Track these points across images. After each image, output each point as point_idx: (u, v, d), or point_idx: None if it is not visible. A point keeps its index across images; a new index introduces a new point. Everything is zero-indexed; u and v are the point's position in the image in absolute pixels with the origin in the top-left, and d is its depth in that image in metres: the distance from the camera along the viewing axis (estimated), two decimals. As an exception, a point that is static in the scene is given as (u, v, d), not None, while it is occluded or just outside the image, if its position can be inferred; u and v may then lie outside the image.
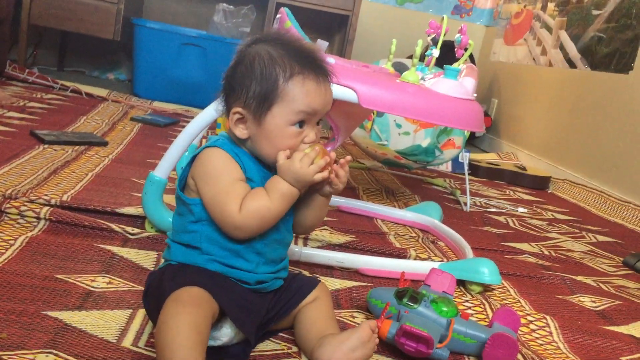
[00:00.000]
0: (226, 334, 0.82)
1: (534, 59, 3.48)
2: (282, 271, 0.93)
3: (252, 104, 0.85)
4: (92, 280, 1.00)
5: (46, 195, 1.30)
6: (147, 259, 1.13)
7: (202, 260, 0.85)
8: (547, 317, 1.20)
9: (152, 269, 1.08)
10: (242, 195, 0.83)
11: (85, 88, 2.97)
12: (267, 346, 0.90)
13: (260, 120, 0.85)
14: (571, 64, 3.06)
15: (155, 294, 0.83)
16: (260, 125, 0.85)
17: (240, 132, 0.87)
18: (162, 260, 0.91)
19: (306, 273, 1.20)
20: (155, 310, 0.78)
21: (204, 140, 2.33)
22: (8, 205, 1.20)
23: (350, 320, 1.04)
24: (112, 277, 1.03)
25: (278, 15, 1.50)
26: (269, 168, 0.88)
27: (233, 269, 0.85)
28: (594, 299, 1.37)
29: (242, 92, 0.85)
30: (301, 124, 0.86)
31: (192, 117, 1.28)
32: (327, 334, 0.87)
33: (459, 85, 1.41)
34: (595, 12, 2.92)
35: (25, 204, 1.22)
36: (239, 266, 0.85)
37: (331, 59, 1.44)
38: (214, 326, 0.80)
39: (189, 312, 0.73)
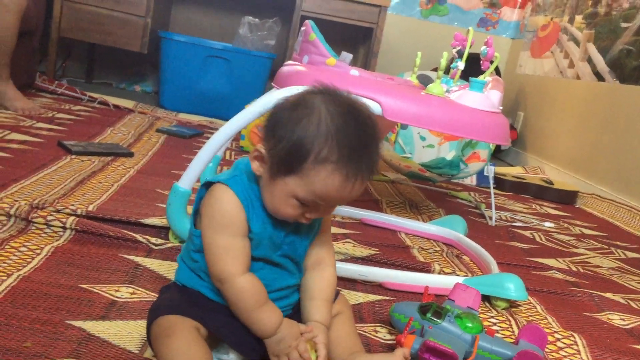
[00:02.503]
0: (231, 355, 0.83)
1: (561, 72, 3.44)
2: (285, 304, 0.89)
3: (274, 158, 0.78)
4: (116, 290, 1.01)
5: (72, 205, 1.32)
6: (170, 270, 1.13)
7: (201, 286, 0.85)
8: (575, 334, 1.17)
9: (175, 279, 1.08)
10: (240, 256, 0.80)
11: (112, 100, 3.02)
12: None
13: (272, 176, 0.79)
14: (599, 77, 3.01)
15: (152, 305, 0.84)
16: (271, 180, 0.79)
17: (256, 168, 0.81)
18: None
19: (329, 286, 1.19)
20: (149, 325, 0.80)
21: (227, 154, 2.34)
22: (35, 215, 1.21)
23: (373, 335, 1.03)
24: (136, 288, 1.03)
25: (303, 28, 1.50)
26: (274, 219, 0.83)
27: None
28: (623, 317, 1.34)
29: (274, 138, 0.78)
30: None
31: (216, 129, 1.29)
32: (354, 351, 0.86)
33: (484, 97, 1.40)
34: (624, 25, 2.88)
35: (52, 213, 1.23)
36: None
37: (355, 72, 1.44)
38: (222, 349, 0.82)
39: (181, 346, 0.75)
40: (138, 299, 0.99)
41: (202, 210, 0.83)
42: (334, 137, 0.75)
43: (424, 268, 1.39)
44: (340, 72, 1.43)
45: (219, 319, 0.81)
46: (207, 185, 0.84)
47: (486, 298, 1.25)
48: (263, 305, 0.81)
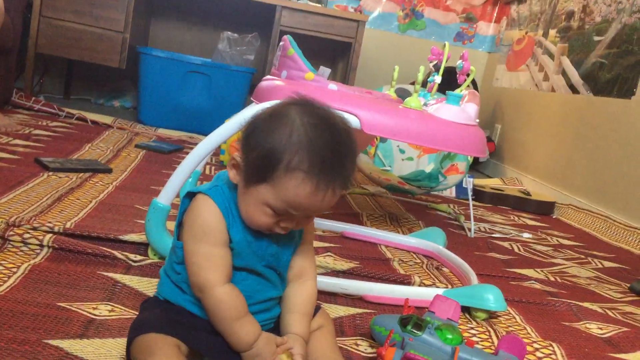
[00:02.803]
0: None
1: (536, 84, 3.49)
2: (267, 317, 0.89)
3: (248, 166, 0.79)
4: (94, 308, 1.00)
5: (50, 222, 1.30)
6: (150, 287, 1.12)
7: (183, 300, 0.85)
8: (554, 344, 1.18)
9: (155, 296, 1.08)
10: (220, 264, 0.81)
11: (90, 115, 3.00)
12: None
13: (246, 185, 0.80)
14: (574, 89, 3.07)
15: (132, 325, 0.84)
16: (245, 189, 0.80)
17: (233, 176, 0.82)
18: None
19: (309, 300, 1.19)
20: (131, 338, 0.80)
21: (207, 168, 2.34)
22: (11, 233, 1.20)
23: (354, 349, 1.03)
24: (115, 305, 1.02)
25: (281, 43, 1.52)
26: (255, 229, 0.83)
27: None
28: (600, 326, 1.35)
29: (248, 146, 0.79)
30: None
31: (196, 144, 1.28)
32: None
33: (461, 110, 1.42)
34: (596, 38, 2.94)
35: (29, 231, 1.22)
36: None
37: (334, 86, 1.45)
38: None
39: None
40: (117, 317, 0.98)
41: (185, 222, 0.84)
42: (306, 146, 0.76)
43: (404, 280, 1.39)
44: (318, 86, 1.44)
45: (201, 335, 0.81)
46: (190, 196, 0.85)
47: (466, 309, 1.26)
48: (242, 317, 0.80)
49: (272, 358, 0.79)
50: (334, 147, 0.78)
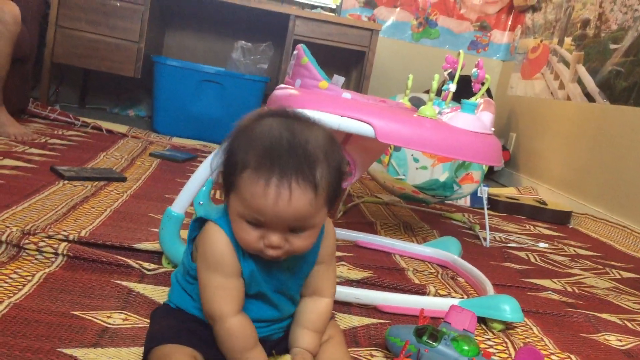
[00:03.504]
0: None
1: (551, 93, 3.47)
2: (277, 326, 0.88)
3: (222, 181, 0.79)
4: (109, 317, 0.99)
5: (64, 231, 1.31)
6: (163, 295, 1.12)
7: (193, 307, 0.85)
8: (572, 356, 1.16)
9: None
10: (233, 296, 0.80)
11: (105, 124, 3.02)
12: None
13: (226, 201, 0.79)
14: (590, 97, 3.04)
15: (148, 337, 0.84)
16: (227, 207, 0.79)
17: (225, 201, 0.80)
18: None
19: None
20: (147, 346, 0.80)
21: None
22: (27, 241, 1.20)
23: (369, 359, 1.02)
24: (129, 314, 1.02)
25: (295, 52, 1.52)
26: (259, 258, 0.80)
27: None
28: (619, 338, 1.33)
29: (220, 161, 0.79)
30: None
31: (210, 153, 1.28)
32: None
33: (476, 119, 1.41)
34: (612, 46, 2.92)
35: (44, 239, 1.22)
36: None
37: (347, 94, 1.44)
38: None
39: None
40: (131, 326, 0.98)
41: (198, 250, 0.83)
42: (258, 144, 0.73)
43: (419, 290, 1.38)
44: (332, 95, 1.43)
45: (215, 347, 0.80)
46: (200, 221, 0.84)
47: (482, 320, 1.24)
48: (251, 349, 0.80)
49: None
50: (288, 139, 0.73)
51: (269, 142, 0.73)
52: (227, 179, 0.77)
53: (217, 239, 0.80)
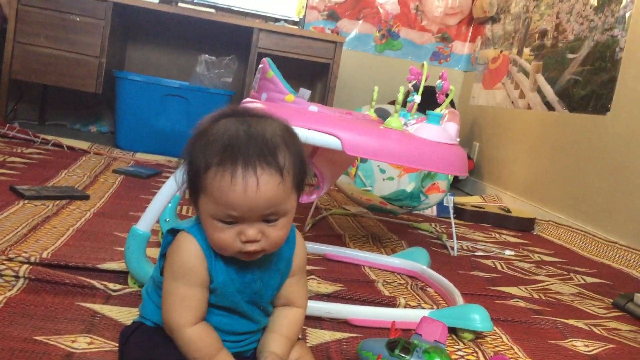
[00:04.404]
0: None
1: (512, 102, 3.53)
2: (251, 343, 0.87)
3: (188, 187, 0.79)
4: (73, 341, 0.96)
5: (25, 252, 1.27)
6: (129, 316, 1.09)
7: None
8: (542, 363, 1.17)
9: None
10: (194, 307, 0.79)
11: (66, 141, 2.96)
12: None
13: (195, 207, 0.79)
14: (549, 106, 3.11)
15: (128, 356, 0.81)
16: (197, 212, 0.79)
17: (194, 209, 0.80)
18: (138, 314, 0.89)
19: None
20: None
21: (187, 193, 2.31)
22: (-14, 264, 1.16)
23: (342, 374, 1.01)
24: (94, 337, 0.99)
25: (260, 66, 1.51)
26: (237, 262, 0.80)
27: None
28: (586, 343, 1.35)
29: (184, 167, 0.79)
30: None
31: (175, 168, 1.26)
32: None
33: (441, 130, 1.42)
34: (570, 56, 2.99)
35: (4, 262, 1.18)
36: None
37: (314, 107, 1.44)
38: None
39: None
40: (96, 349, 0.95)
41: (167, 257, 0.82)
42: (218, 142, 0.74)
43: (390, 302, 1.38)
44: (299, 108, 1.43)
45: None
46: (172, 232, 0.83)
47: (452, 330, 1.25)
48: (214, 356, 0.78)
49: None
50: (246, 132, 0.75)
51: (227, 138, 0.74)
52: (193, 184, 0.77)
53: (186, 247, 0.79)
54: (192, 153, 0.77)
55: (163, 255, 0.84)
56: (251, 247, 0.76)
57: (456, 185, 3.89)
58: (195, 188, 0.77)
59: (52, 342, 0.95)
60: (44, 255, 1.30)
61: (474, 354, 1.17)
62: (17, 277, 1.16)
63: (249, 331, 0.85)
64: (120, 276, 1.26)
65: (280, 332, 0.86)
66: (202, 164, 0.75)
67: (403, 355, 0.96)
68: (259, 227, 0.76)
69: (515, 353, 1.22)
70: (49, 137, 2.94)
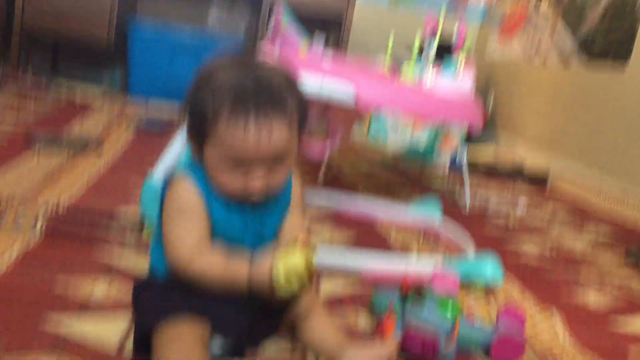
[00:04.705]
0: (215, 350, 0.81)
1: (529, 55, 3.47)
2: None
3: (191, 134, 0.80)
4: (91, 289, 0.98)
5: (42, 201, 1.28)
6: (145, 266, 1.10)
7: None
8: (552, 313, 1.18)
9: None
10: (195, 242, 0.79)
11: (79, 92, 2.95)
12: (271, 347, 0.88)
13: (200, 153, 0.80)
14: (567, 59, 3.05)
15: (141, 314, 0.83)
16: (201, 158, 0.80)
17: (193, 153, 0.82)
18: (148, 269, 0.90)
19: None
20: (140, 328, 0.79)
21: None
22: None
23: (354, 323, 1.03)
24: (111, 287, 1.01)
25: (275, 12, 1.48)
26: (236, 202, 0.81)
27: None
28: (597, 295, 1.36)
29: (185, 116, 0.80)
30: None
31: (189, 120, 1.25)
32: (340, 343, 0.85)
33: (457, 82, 1.40)
34: (589, 8, 2.91)
35: (21, 211, 1.20)
36: None
37: (328, 57, 1.42)
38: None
39: (182, 348, 0.73)
40: (114, 298, 0.97)
41: (164, 202, 0.83)
42: (225, 90, 0.75)
43: (402, 254, 1.39)
44: (313, 57, 1.41)
45: (207, 314, 0.78)
46: (168, 180, 0.84)
47: (464, 281, 1.26)
48: (229, 266, 0.78)
49: (273, 256, 0.76)
50: (253, 80, 0.76)
51: (236, 86, 0.76)
52: (200, 129, 0.77)
53: (181, 186, 0.81)
54: (198, 99, 0.77)
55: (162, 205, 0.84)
56: (257, 189, 0.78)
57: (469, 140, 3.86)
58: (201, 133, 0.78)
59: (70, 290, 0.97)
60: (61, 204, 1.31)
61: (485, 305, 1.19)
62: (34, 225, 1.17)
63: None
64: (136, 226, 1.27)
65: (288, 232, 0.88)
66: (211, 111, 0.75)
67: (415, 304, 0.97)
68: (265, 169, 0.78)
69: (527, 304, 1.23)
70: (62, 87, 2.94)
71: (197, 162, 0.82)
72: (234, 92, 0.75)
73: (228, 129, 0.75)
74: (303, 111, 0.80)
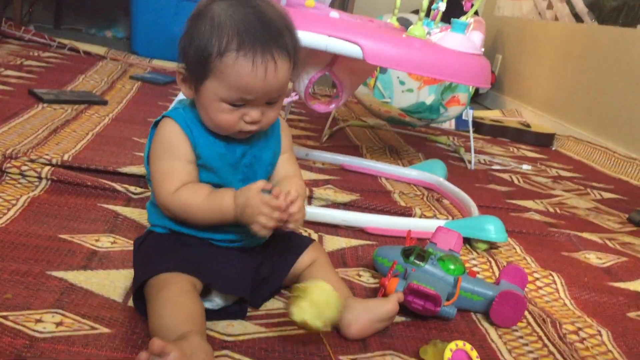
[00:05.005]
0: (217, 301, 0.82)
1: (539, 13, 3.40)
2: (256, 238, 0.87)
3: (190, 69, 0.80)
4: (97, 240, 0.99)
5: (47, 154, 1.28)
6: (151, 219, 1.11)
7: (173, 224, 0.84)
8: (554, 274, 1.19)
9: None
10: (181, 177, 0.80)
11: (82, 46, 2.92)
12: (274, 304, 0.89)
13: (196, 88, 0.80)
14: (578, 18, 2.99)
15: (137, 267, 0.84)
16: (197, 93, 0.80)
17: (186, 91, 0.82)
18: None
19: (311, 232, 1.19)
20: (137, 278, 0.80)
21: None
22: (9, 165, 1.18)
23: (357, 279, 1.04)
24: (117, 237, 1.02)
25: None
26: (225, 139, 0.82)
27: (199, 231, 0.84)
28: (599, 256, 1.37)
29: (183, 52, 0.80)
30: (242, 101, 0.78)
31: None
32: (347, 296, 0.86)
33: (466, 39, 1.37)
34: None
35: (26, 163, 1.20)
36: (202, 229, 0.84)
37: (335, 14, 1.40)
38: (206, 295, 0.81)
39: (171, 296, 0.73)
40: (119, 249, 0.98)
41: (151, 145, 0.84)
42: (229, 26, 0.75)
43: (406, 212, 1.39)
44: (319, 14, 1.39)
45: (202, 269, 0.79)
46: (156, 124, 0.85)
47: (467, 240, 1.26)
48: (209, 194, 0.80)
49: (258, 198, 0.76)
50: (257, 18, 0.77)
51: (240, 23, 0.76)
52: (200, 67, 0.77)
53: (166, 127, 0.82)
54: (198, 36, 0.77)
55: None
56: (253, 127, 0.80)
57: (476, 99, 3.83)
58: (202, 71, 0.77)
59: (76, 241, 0.98)
60: (65, 157, 1.31)
61: (487, 263, 1.20)
62: (39, 178, 1.18)
63: None
64: (141, 180, 1.27)
65: (287, 177, 0.90)
66: (214, 48, 0.75)
67: (418, 262, 0.98)
68: (261, 108, 0.79)
69: (529, 264, 1.24)
70: (65, 41, 2.91)
71: (190, 98, 0.83)
72: (238, 30, 0.75)
73: (234, 67, 0.75)
74: (299, 46, 0.81)
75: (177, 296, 0.73)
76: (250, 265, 0.85)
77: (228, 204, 0.78)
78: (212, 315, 0.81)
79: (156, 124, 0.84)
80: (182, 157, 0.81)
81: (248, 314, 0.85)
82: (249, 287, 0.83)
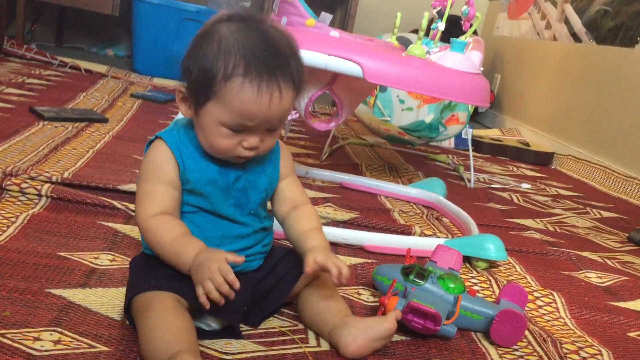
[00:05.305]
0: (212, 325, 0.81)
1: (538, 33, 3.43)
2: (253, 256, 0.87)
3: (191, 89, 0.79)
4: (96, 258, 0.99)
5: (47, 172, 1.29)
6: (150, 236, 1.11)
7: None
8: (554, 293, 1.19)
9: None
10: (161, 202, 0.79)
11: (84, 64, 2.94)
12: (273, 323, 0.89)
13: (196, 110, 0.79)
14: (576, 38, 3.01)
15: (127, 286, 0.84)
16: (197, 115, 0.79)
17: (185, 110, 0.81)
18: None
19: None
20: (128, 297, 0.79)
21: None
22: (9, 183, 1.18)
23: (357, 298, 1.03)
24: (116, 255, 1.02)
25: (280, -12, 1.47)
26: (219, 162, 0.81)
27: None
28: (600, 275, 1.36)
29: (187, 72, 0.78)
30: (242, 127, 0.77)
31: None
32: (342, 313, 0.86)
33: (465, 58, 1.39)
34: (601, -15, 2.87)
35: (26, 181, 1.20)
36: None
37: (335, 33, 1.41)
38: (200, 316, 0.80)
39: (155, 317, 0.73)
40: (118, 266, 0.98)
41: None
42: (236, 50, 0.74)
43: (405, 230, 1.39)
44: (319, 33, 1.40)
45: (190, 291, 0.77)
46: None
47: (467, 259, 1.26)
48: (180, 237, 0.78)
49: (215, 265, 0.72)
50: (265, 44, 0.76)
51: (248, 48, 0.75)
52: (204, 89, 0.76)
53: (154, 151, 0.82)
54: (204, 57, 0.76)
55: None
56: (250, 153, 0.79)
57: (475, 118, 3.84)
58: (204, 93, 0.76)
59: (75, 258, 0.98)
60: (65, 175, 1.31)
61: (487, 282, 1.19)
62: (39, 195, 1.18)
63: (241, 235, 0.85)
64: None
65: (309, 227, 0.88)
66: (219, 71, 0.74)
67: (418, 280, 0.98)
68: (261, 135, 0.79)
69: (528, 283, 1.24)
70: (67, 60, 2.93)
71: (188, 118, 0.82)
72: (247, 53, 0.74)
73: (238, 92, 0.74)
74: (302, 78, 0.80)
75: (162, 316, 0.72)
76: (244, 286, 0.84)
77: (189, 256, 0.76)
78: (207, 334, 0.80)
79: (151, 142, 0.84)
80: (166, 181, 0.80)
81: (247, 332, 0.84)
82: (240, 313, 0.82)
